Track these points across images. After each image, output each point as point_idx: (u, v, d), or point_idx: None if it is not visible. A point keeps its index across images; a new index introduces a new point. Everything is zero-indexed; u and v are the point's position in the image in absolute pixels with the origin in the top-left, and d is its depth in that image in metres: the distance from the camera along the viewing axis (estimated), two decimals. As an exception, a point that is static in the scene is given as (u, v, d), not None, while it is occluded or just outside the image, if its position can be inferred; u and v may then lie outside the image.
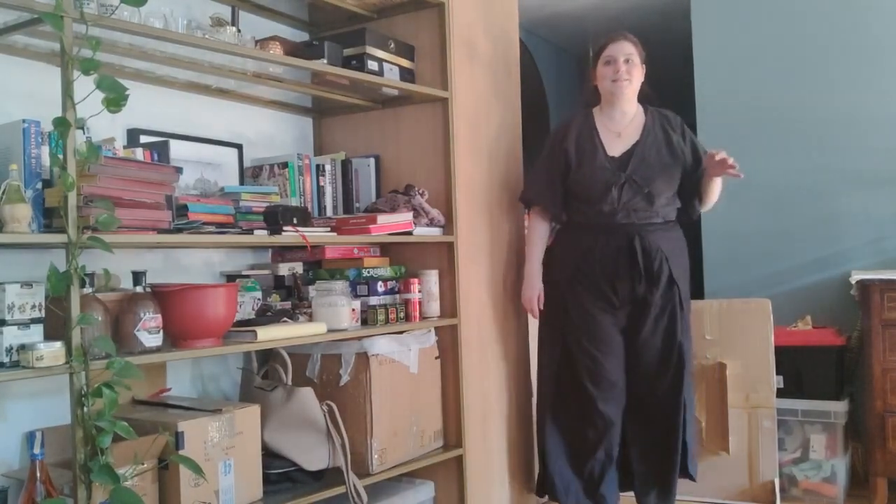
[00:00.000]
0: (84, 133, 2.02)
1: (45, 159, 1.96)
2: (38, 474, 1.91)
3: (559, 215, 2.93)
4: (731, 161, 2.69)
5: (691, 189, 2.86)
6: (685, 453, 2.79)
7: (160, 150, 2.42)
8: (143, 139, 2.49)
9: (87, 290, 1.92)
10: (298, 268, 2.84)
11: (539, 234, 2.97)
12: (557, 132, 2.98)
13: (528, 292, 2.96)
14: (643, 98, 2.92)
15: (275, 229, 2.37)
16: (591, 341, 2.81)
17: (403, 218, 2.70)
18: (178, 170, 2.26)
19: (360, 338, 2.58)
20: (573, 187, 2.86)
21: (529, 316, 3.09)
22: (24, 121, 1.92)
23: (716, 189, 2.86)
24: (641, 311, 2.79)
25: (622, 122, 2.87)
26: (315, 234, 2.52)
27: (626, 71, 2.81)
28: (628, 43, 2.85)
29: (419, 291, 2.80)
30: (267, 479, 2.35)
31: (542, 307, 2.93)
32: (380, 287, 2.73)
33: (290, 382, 2.54)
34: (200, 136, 2.71)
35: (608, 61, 2.84)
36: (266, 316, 2.54)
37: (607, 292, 2.79)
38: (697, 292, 3.90)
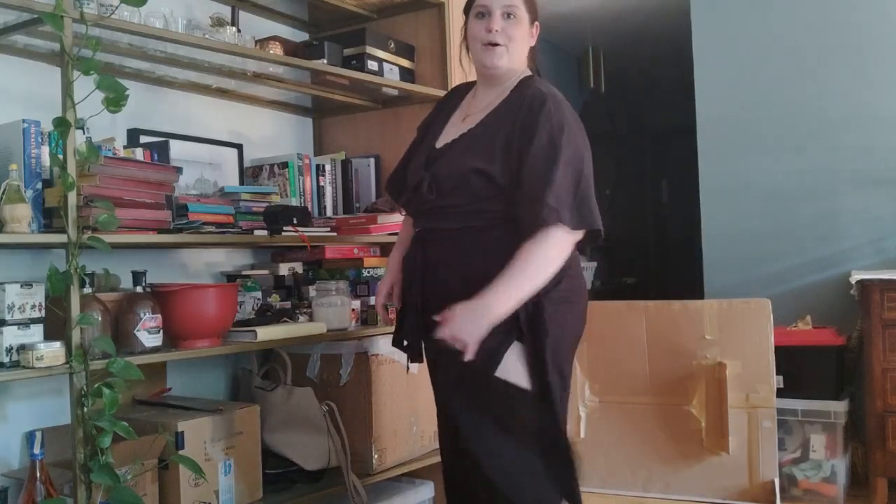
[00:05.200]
0: (84, 133, 2.02)
1: (45, 159, 1.96)
2: (38, 474, 1.91)
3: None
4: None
5: (514, 197, 1.84)
6: None
7: (160, 150, 2.42)
8: (143, 139, 2.49)
9: (87, 290, 1.92)
10: (298, 268, 2.84)
11: (405, 224, 2.20)
12: (437, 103, 2.23)
13: (378, 286, 2.20)
14: (533, 70, 2.03)
15: (275, 229, 2.37)
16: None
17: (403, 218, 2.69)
18: (178, 170, 2.26)
19: (360, 338, 2.58)
20: None
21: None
22: (24, 121, 1.92)
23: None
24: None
25: (480, 103, 2.00)
26: (315, 234, 2.52)
27: (504, 30, 1.91)
28: None
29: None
30: (267, 479, 2.36)
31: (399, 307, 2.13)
32: (380, 287, 2.72)
33: (290, 382, 2.54)
34: (200, 136, 2.71)
35: (480, 13, 1.93)
36: (266, 316, 2.54)
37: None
38: (697, 292, 3.90)
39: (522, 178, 1.81)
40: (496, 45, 1.92)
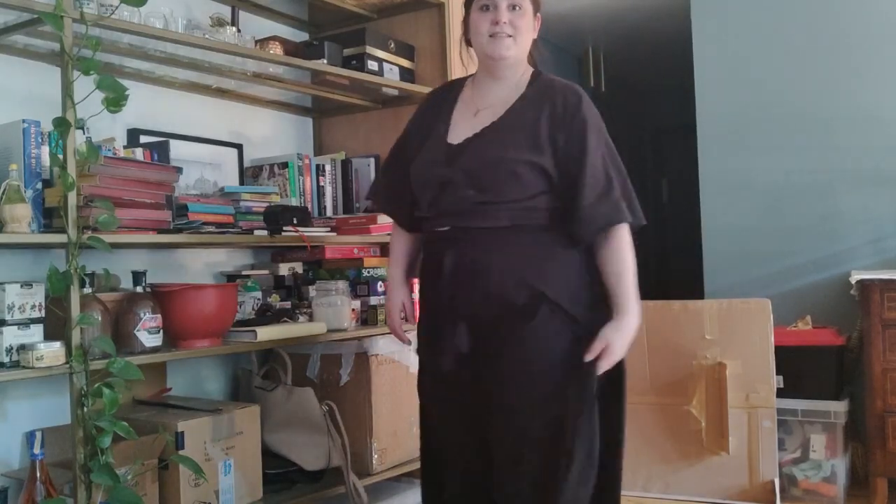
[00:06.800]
0: (84, 133, 2.02)
1: (45, 159, 1.96)
2: (38, 474, 1.91)
3: (402, 218, 2.06)
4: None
5: (571, 196, 1.83)
6: None
7: (160, 150, 2.42)
8: (143, 139, 2.49)
9: (87, 290, 1.92)
10: (298, 268, 2.84)
11: (397, 236, 2.12)
12: (420, 103, 2.14)
13: (387, 306, 2.15)
14: (533, 63, 2.01)
15: (275, 229, 2.37)
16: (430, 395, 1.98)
17: (403, 218, 2.69)
18: (178, 170, 2.26)
19: (360, 338, 2.58)
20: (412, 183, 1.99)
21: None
22: (24, 121, 1.92)
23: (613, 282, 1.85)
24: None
25: (491, 96, 1.95)
26: (315, 234, 2.52)
27: (511, 22, 1.88)
28: None
29: (419, 291, 2.80)
30: (267, 479, 2.36)
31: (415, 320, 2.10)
32: (380, 287, 2.72)
33: (290, 382, 2.54)
34: (200, 136, 2.71)
35: (485, 6, 1.90)
36: (266, 316, 2.54)
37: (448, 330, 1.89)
38: (697, 292, 3.90)
39: (584, 180, 1.82)
40: (504, 35, 1.89)
